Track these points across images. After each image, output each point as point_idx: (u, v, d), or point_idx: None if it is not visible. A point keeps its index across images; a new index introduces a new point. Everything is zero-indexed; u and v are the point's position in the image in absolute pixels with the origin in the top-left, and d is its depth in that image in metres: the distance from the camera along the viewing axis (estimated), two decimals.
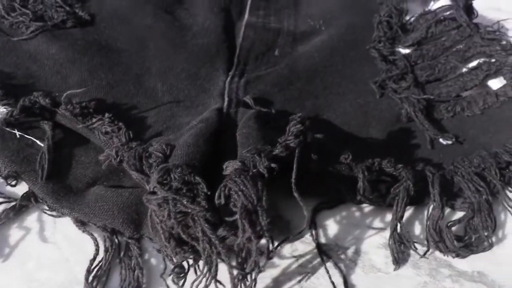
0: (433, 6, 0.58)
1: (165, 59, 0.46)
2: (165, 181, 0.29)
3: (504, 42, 0.53)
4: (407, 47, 0.55)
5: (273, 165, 0.30)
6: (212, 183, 0.29)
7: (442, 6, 0.58)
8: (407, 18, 0.58)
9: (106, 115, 0.39)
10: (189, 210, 0.28)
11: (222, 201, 0.28)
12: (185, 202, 0.28)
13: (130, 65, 0.45)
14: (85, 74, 0.43)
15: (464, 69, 0.52)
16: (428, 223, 0.36)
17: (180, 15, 0.51)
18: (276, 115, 0.40)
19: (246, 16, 0.53)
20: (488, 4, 0.62)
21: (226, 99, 0.42)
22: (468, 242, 0.36)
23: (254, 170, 0.29)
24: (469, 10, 0.58)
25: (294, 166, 0.31)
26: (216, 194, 0.29)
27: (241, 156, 0.32)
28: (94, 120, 0.38)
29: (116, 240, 0.34)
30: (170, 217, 0.28)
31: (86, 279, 0.32)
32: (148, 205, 0.29)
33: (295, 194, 0.30)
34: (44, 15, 0.47)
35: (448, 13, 0.57)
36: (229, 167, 0.30)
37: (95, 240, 0.34)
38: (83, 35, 0.46)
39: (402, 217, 0.35)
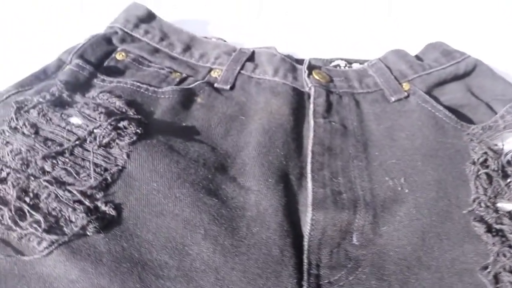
0: None
1: (215, 278, 0.35)
2: None
3: None
4: None
5: None
6: None
7: None
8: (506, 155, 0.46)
9: None
10: None
11: None
12: None
13: None
14: None
15: None
16: None
17: (227, 192, 0.41)
18: None
19: (310, 184, 0.41)
20: None
21: None
22: None
23: None
24: None
25: None
26: None
27: None
28: None
29: None
30: None
31: None
32: None
33: None
34: (60, 217, 0.37)
35: None
36: None
37: None
38: (109, 246, 0.36)
39: None
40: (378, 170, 0.44)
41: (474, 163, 0.44)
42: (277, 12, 0.69)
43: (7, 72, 0.57)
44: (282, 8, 0.70)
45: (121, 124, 0.42)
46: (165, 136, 0.43)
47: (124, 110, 0.44)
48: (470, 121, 0.50)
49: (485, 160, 0.45)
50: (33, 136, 0.41)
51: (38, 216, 0.36)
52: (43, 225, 0.36)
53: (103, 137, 0.41)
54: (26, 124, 0.42)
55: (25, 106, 0.43)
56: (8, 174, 0.39)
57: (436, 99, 0.51)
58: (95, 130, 0.42)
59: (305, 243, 0.38)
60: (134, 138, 0.41)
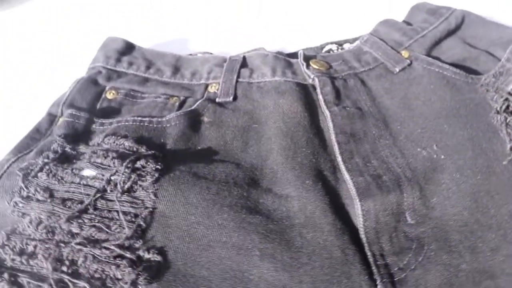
0: None
1: None
2: None
3: None
4: None
5: None
6: None
7: None
8: None
9: None
10: None
11: None
12: None
13: None
14: None
15: None
16: None
17: (267, 205, 0.39)
18: None
19: (347, 175, 0.40)
20: None
21: None
22: None
23: None
24: None
25: None
26: None
27: None
28: None
29: None
30: None
31: None
32: None
33: None
34: (105, 278, 0.34)
35: None
36: None
37: None
38: None
39: None
40: (407, 143, 0.43)
41: (498, 112, 0.44)
42: (264, 13, 0.67)
43: (7, 73, 0.57)
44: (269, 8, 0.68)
45: (138, 164, 0.39)
46: (186, 165, 0.41)
47: (135, 149, 0.41)
48: (476, 73, 0.49)
49: (508, 107, 0.44)
50: (49, 200, 0.38)
51: (82, 283, 0.34)
52: None
53: (124, 182, 0.38)
54: (38, 189, 0.39)
55: (31, 171, 0.40)
56: (35, 247, 0.36)
57: (438, 59, 0.50)
58: (112, 178, 0.39)
59: (362, 236, 0.37)
60: (156, 175, 0.39)
